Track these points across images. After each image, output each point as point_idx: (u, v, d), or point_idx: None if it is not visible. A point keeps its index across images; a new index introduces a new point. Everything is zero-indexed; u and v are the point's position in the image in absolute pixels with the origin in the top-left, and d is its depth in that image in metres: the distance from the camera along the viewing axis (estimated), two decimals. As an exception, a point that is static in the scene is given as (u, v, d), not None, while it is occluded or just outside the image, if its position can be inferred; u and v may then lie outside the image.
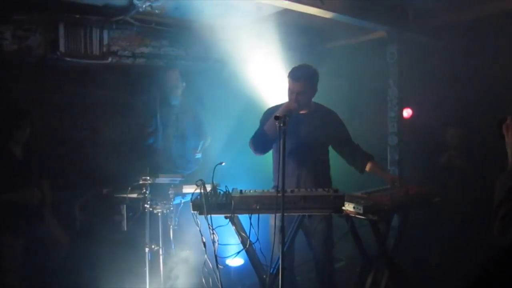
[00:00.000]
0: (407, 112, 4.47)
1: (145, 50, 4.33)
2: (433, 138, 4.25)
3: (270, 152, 2.97)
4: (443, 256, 3.74)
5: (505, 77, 3.62)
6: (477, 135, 3.78)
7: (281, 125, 2.12)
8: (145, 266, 2.99)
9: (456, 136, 4.08)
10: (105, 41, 4.02)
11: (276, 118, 2.17)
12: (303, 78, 2.79)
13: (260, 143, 2.87)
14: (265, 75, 4.56)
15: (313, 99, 2.97)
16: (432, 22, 4.18)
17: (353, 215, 2.56)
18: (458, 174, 3.91)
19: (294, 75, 2.81)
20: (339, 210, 2.39)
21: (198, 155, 4.21)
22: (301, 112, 2.87)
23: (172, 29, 4.38)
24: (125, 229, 3.59)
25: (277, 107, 2.93)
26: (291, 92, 2.83)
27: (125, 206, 3.57)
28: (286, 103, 2.86)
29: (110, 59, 4.10)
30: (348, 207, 2.51)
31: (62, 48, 3.78)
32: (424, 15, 4.15)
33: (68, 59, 3.82)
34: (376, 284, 2.92)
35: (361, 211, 2.47)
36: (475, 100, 3.95)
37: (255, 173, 3.65)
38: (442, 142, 4.14)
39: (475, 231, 3.16)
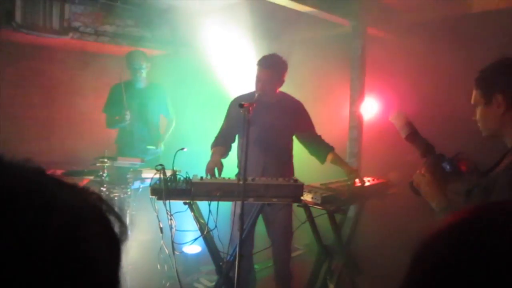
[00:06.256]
0: (368, 107, 4.58)
1: (108, 28, 4.16)
2: (393, 133, 4.35)
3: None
4: (396, 247, 3.88)
5: (468, 78, 3.76)
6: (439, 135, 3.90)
7: (246, 113, 2.15)
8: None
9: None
10: (66, 16, 3.83)
11: (241, 106, 2.19)
12: (270, 67, 2.82)
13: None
14: (232, 63, 4.53)
15: (281, 89, 2.99)
16: (396, 20, 4.29)
17: (311, 205, 2.61)
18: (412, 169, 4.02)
19: (262, 63, 2.84)
20: (298, 200, 2.44)
21: (160, 148, 4.01)
22: (267, 101, 2.87)
23: (139, 9, 4.24)
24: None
25: (243, 96, 2.92)
26: (257, 79, 2.84)
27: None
28: (208, 165, 2.67)
29: (70, 35, 3.90)
30: (307, 197, 2.55)
31: (18, 19, 3.55)
32: (389, 13, 4.26)
33: (24, 31, 3.61)
34: (330, 273, 3.00)
35: (319, 201, 2.52)
36: (437, 101, 4.07)
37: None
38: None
39: (426, 222, 3.30)
